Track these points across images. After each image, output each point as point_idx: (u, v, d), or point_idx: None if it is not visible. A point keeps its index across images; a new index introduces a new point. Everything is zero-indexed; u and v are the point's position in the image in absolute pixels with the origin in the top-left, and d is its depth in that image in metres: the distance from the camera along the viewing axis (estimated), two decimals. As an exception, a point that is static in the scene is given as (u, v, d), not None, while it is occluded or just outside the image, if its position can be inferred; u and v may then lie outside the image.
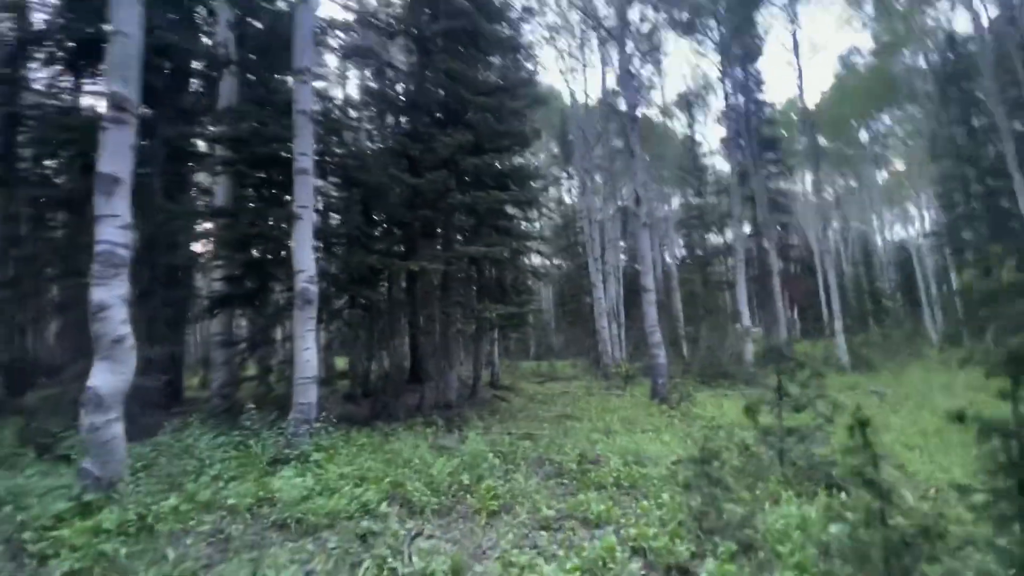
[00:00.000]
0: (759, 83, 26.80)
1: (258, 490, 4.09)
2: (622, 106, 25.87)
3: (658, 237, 33.94)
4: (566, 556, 3.17)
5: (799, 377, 5.11)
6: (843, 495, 4.15)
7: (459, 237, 8.95)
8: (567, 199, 31.92)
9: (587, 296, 26.06)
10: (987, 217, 19.24)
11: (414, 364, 13.05)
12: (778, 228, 25.45)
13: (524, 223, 10.09)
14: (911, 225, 39.22)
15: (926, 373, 16.56)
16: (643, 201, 11.99)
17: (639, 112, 13.01)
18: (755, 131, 25.22)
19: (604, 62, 20.27)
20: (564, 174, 26.53)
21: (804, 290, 26.44)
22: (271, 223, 6.88)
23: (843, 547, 2.78)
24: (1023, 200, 14.61)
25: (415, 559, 3.04)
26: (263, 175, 7.88)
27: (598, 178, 19.51)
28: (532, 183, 9.18)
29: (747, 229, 23.20)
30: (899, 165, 37.14)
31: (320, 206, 9.54)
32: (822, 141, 32.31)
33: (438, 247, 8.68)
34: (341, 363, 12.55)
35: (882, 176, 36.98)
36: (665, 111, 30.06)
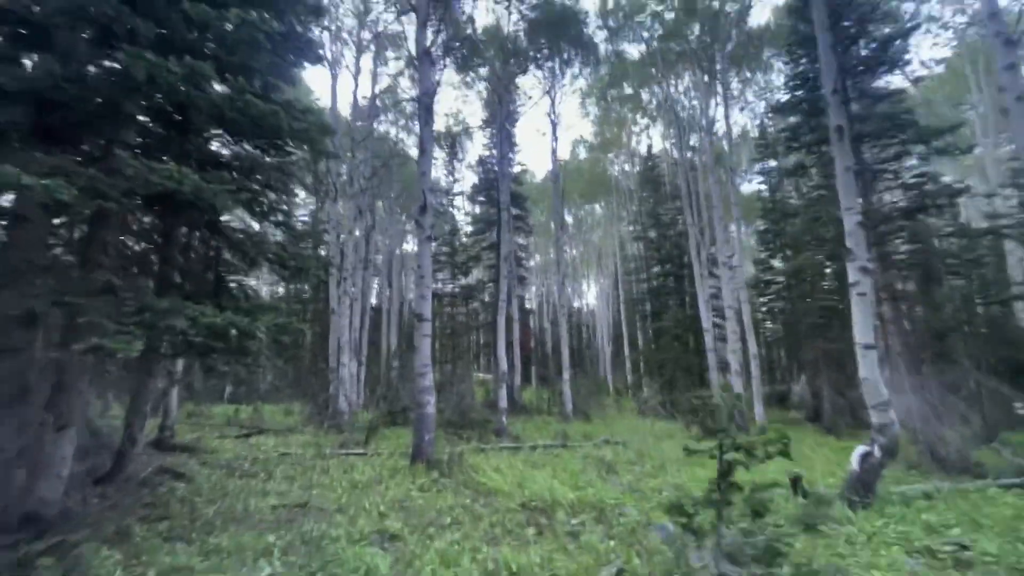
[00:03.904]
0: (512, 144, 28.78)
1: None
2: (406, 96, 23.58)
3: (404, 273, 31.98)
4: None
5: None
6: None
7: (138, 148, 4.30)
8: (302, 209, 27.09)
9: (314, 325, 21.57)
10: (662, 295, 24.27)
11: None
12: (517, 280, 26.88)
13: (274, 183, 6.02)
14: (585, 297, 49.10)
15: (626, 420, 18.89)
16: (429, 209, 9.65)
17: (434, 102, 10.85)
18: (507, 186, 26.58)
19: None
20: (309, 175, 22.09)
21: (532, 340, 28.40)
22: None
23: None
24: (700, 283, 18.46)
25: None
26: None
27: (356, 184, 16.30)
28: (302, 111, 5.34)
29: (490, 276, 23.59)
30: (590, 247, 45.89)
31: None
32: (539, 214, 37.39)
33: (76, 154, 3.78)
34: None
35: (571, 254, 44.85)
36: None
